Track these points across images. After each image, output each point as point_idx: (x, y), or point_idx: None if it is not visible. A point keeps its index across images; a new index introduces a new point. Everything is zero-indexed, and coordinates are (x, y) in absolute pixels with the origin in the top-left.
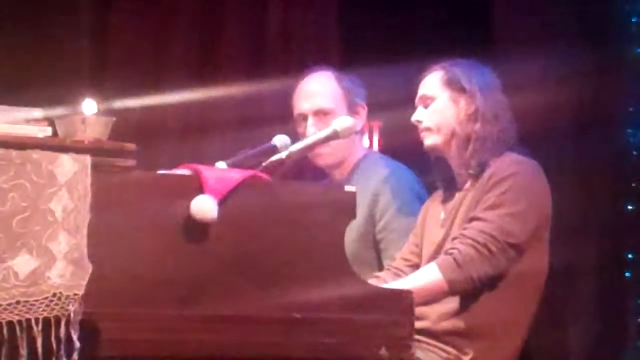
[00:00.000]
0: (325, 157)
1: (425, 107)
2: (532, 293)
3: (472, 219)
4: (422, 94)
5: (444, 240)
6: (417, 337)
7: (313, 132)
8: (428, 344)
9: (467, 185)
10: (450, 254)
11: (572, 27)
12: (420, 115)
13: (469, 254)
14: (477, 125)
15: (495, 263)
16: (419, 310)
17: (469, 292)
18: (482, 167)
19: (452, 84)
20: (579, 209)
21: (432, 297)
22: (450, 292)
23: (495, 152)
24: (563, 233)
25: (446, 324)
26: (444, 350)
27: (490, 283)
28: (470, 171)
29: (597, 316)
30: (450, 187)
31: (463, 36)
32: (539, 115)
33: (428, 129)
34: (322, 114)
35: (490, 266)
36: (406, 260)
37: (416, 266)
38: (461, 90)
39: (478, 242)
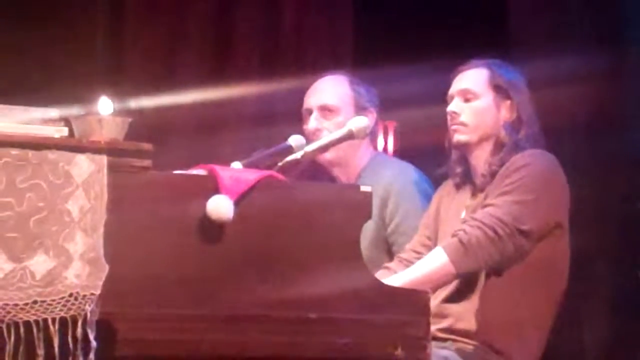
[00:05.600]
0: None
1: (466, 101)
2: (554, 286)
3: (484, 206)
4: (465, 87)
5: None
6: (441, 335)
7: (314, 126)
8: (454, 340)
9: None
10: (456, 235)
11: (587, 29)
12: (460, 108)
13: (476, 235)
14: (522, 134)
15: (501, 247)
16: (439, 309)
17: (475, 273)
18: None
19: (498, 88)
20: (594, 208)
21: (441, 281)
22: (457, 273)
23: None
24: (578, 231)
25: (467, 323)
26: (470, 344)
27: (507, 275)
28: (494, 167)
29: (612, 314)
30: (468, 183)
31: (479, 36)
32: (554, 115)
33: (464, 125)
34: (326, 110)
35: (497, 249)
36: (416, 252)
37: None
38: (506, 95)
39: (485, 225)
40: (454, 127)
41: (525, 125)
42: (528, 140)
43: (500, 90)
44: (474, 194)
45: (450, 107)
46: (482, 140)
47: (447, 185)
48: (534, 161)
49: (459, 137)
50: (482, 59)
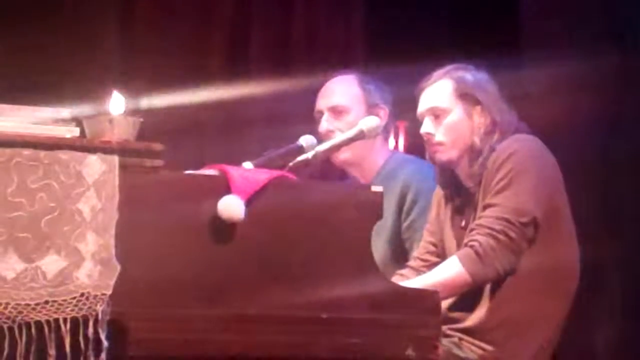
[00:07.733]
0: (341, 152)
1: (437, 119)
2: (561, 286)
3: (485, 207)
4: (432, 105)
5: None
6: (459, 336)
7: (325, 127)
8: (466, 341)
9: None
10: (471, 246)
11: (598, 30)
12: (433, 129)
13: (490, 244)
14: (495, 138)
15: (516, 249)
16: (458, 315)
17: (494, 282)
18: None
19: (465, 97)
20: (604, 207)
21: (456, 290)
22: (474, 284)
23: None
24: (588, 231)
25: (477, 321)
26: (480, 347)
27: (514, 275)
28: (480, 179)
29: (623, 313)
30: (461, 194)
31: (491, 35)
32: (565, 116)
33: (441, 144)
34: (336, 110)
35: (512, 252)
36: (424, 260)
37: (435, 266)
38: (475, 102)
39: (496, 230)
40: (432, 148)
41: (498, 127)
42: (505, 140)
43: (467, 97)
44: (468, 203)
45: (423, 129)
46: (463, 153)
47: (444, 195)
48: (518, 148)
49: (440, 157)
50: (443, 67)
